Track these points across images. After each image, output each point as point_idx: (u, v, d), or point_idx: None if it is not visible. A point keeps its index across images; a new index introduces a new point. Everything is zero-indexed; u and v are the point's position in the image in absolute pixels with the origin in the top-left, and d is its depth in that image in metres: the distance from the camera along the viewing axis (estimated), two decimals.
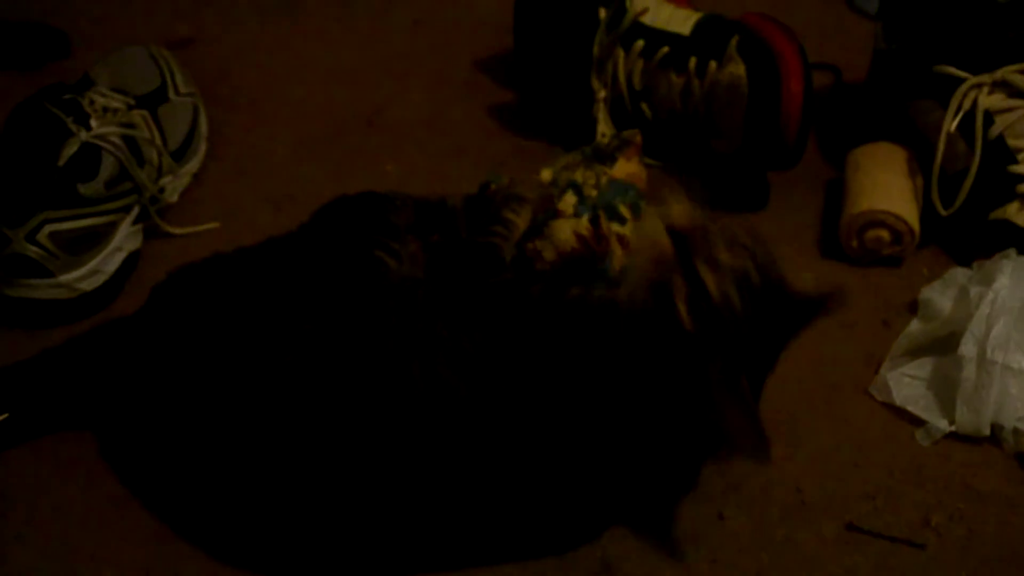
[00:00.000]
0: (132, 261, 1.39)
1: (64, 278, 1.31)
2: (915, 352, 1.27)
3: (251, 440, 1.05)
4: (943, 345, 1.24)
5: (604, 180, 1.35)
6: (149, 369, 1.14)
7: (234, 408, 1.07)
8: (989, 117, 1.37)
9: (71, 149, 1.31)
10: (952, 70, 1.40)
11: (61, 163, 1.30)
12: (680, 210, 1.03)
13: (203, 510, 1.11)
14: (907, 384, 1.24)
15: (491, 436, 1.04)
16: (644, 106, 1.52)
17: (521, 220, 1.24)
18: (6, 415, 1.19)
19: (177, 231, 1.44)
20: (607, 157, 1.36)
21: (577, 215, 1.26)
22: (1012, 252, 1.29)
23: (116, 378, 1.17)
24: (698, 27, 1.49)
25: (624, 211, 1.32)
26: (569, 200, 1.28)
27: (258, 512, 1.07)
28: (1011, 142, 1.36)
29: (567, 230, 1.24)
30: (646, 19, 1.50)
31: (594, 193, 1.33)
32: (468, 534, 1.07)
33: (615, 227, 1.27)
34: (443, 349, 1.07)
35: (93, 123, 1.35)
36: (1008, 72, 1.38)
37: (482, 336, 1.08)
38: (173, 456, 1.11)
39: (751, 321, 1.01)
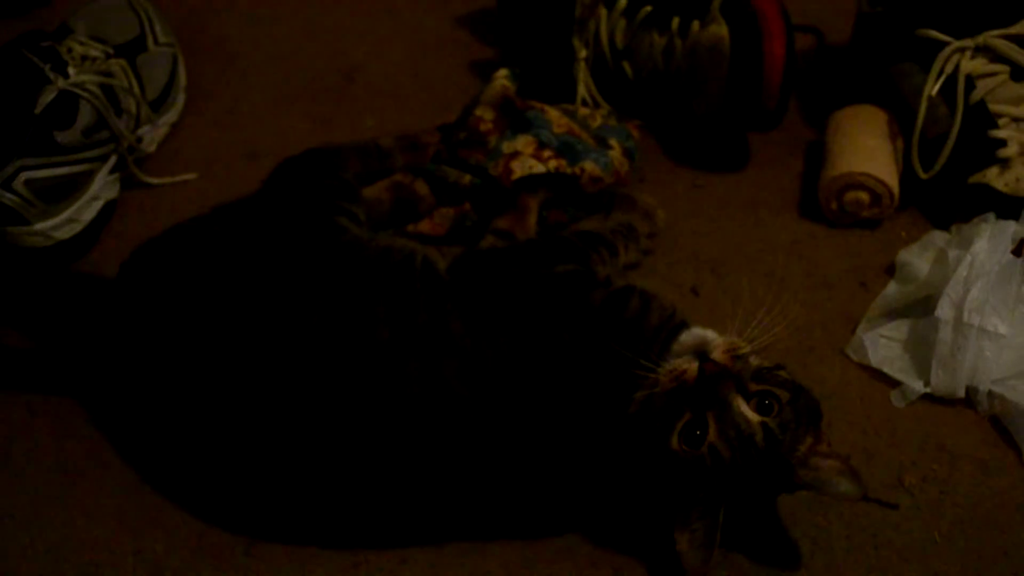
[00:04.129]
0: (109, 210, 1.39)
1: (40, 226, 1.30)
2: (892, 314, 1.27)
3: (237, 408, 1.05)
4: (920, 307, 1.25)
5: (610, 121, 1.43)
6: (132, 346, 1.12)
7: (222, 378, 1.06)
8: (971, 82, 1.37)
9: (48, 97, 1.30)
10: (935, 34, 1.40)
11: (38, 111, 1.29)
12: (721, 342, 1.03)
13: (194, 478, 1.11)
14: (883, 345, 1.24)
15: (486, 433, 1.04)
16: (626, 65, 1.51)
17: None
18: None
19: (154, 181, 1.43)
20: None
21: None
22: (991, 216, 1.29)
23: (97, 355, 1.16)
24: None
25: (615, 144, 1.37)
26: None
27: (239, 479, 1.07)
28: (992, 107, 1.36)
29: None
30: None
31: (595, 123, 1.42)
32: (454, 516, 1.08)
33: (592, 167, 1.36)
34: (457, 351, 1.07)
35: (71, 71, 1.34)
36: (990, 37, 1.38)
37: (504, 345, 1.08)
38: (161, 426, 1.11)
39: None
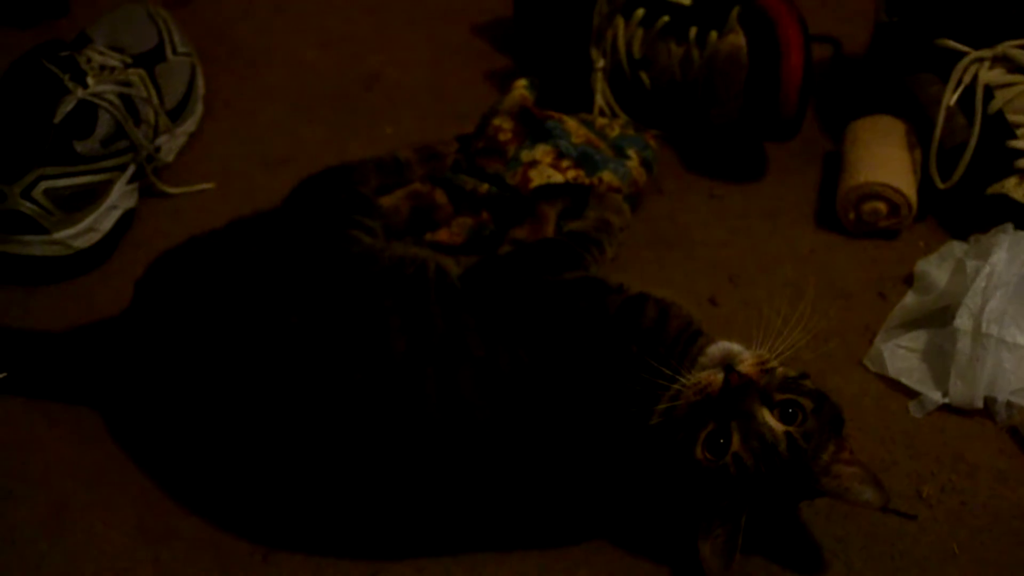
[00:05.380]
0: (127, 220, 1.39)
1: (59, 235, 1.31)
2: (910, 324, 1.27)
3: (255, 418, 1.05)
4: (938, 318, 1.24)
5: (628, 131, 1.44)
6: (150, 361, 1.12)
7: (240, 390, 1.06)
8: (989, 92, 1.37)
9: (67, 106, 1.30)
10: (953, 44, 1.40)
11: (57, 120, 1.29)
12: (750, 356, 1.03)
13: (211, 486, 1.11)
14: (901, 356, 1.24)
15: (501, 443, 1.04)
16: (643, 75, 1.52)
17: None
18: (4, 374, 1.19)
19: (172, 191, 1.44)
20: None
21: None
22: (1009, 226, 1.28)
23: (117, 369, 1.16)
24: None
25: (633, 154, 1.39)
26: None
27: (255, 488, 1.07)
28: (1010, 117, 1.36)
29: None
30: None
31: (612, 133, 1.42)
32: (466, 526, 1.07)
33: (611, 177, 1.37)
34: (472, 362, 1.07)
35: (90, 81, 1.34)
36: (1009, 47, 1.38)
37: (520, 357, 1.08)
38: (180, 438, 1.11)
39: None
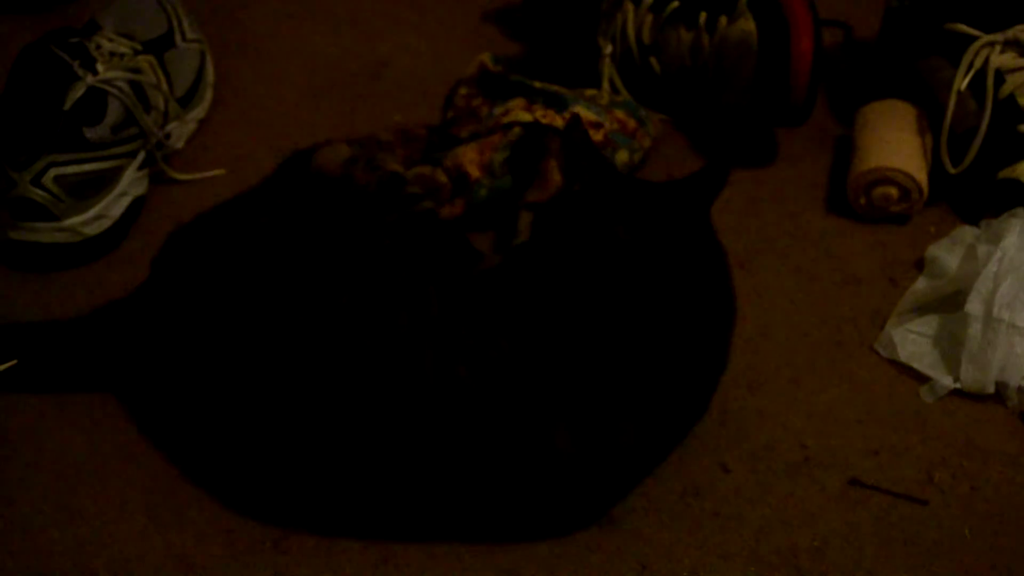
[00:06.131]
0: (137, 206, 1.39)
1: (69, 222, 1.31)
2: (921, 309, 1.27)
3: (266, 399, 1.06)
4: (949, 303, 1.24)
5: (617, 99, 1.47)
6: (167, 337, 1.13)
7: (252, 370, 1.07)
8: (1000, 76, 1.37)
9: (77, 93, 1.30)
10: (964, 28, 1.39)
11: (67, 107, 1.29)
12: None
13: (220, 462, 1.11)
14: (912, 341, 1.24)
15: (493, 421, 1.04)
16: (653, 61, 1.51)
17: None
18: (15, 361, 1.19)
19: (182, 177, 1.44)
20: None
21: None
22: (1020, 211, 1.28)
23: (132, 349, 1.17)
24: None
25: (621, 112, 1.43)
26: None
27: (266, 466, 1.07)
28: (1022, 101, 1.36)
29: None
30: None
31: (602, 101, 1.44)
32: (460, 511, 1.07)
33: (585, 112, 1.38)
34: (464, 349, 1.06)
35: (99, 67, 1.34)
36: (1020, 31, 1.37)
37: (509, 342, 1.07)
38: (194, 414, 1.11)
39: None
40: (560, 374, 1.04)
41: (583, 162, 1.15)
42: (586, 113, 1.37)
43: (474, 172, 1.35)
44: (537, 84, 1.41)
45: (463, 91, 1.46)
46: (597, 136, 1.37)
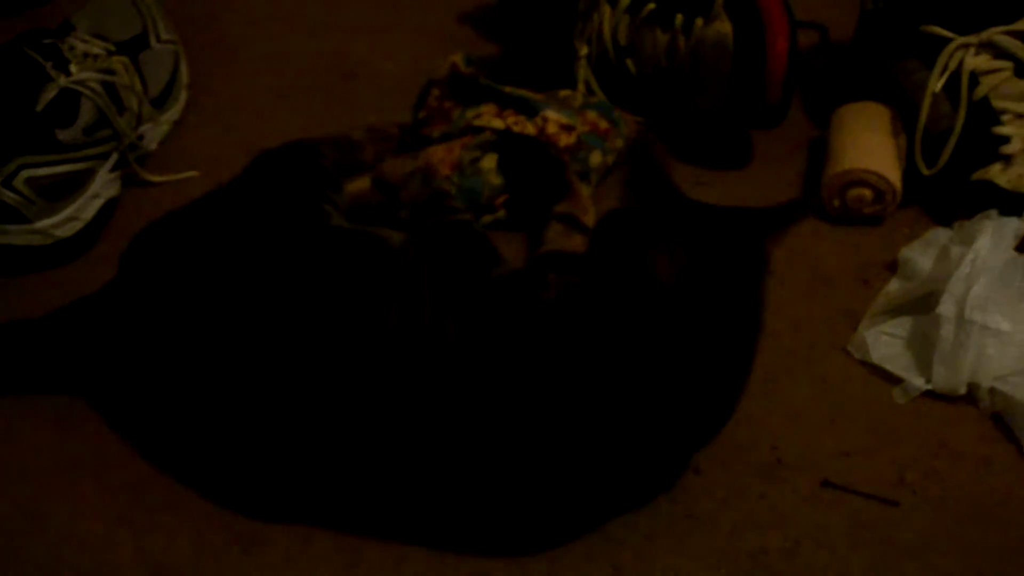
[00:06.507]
0: (109, 208, 1.39)
1: (40, 224, 1.30)
2: (894, 311, 1.27)
3: (241, 393, 1.05)
4: (922, 304, 1.24)
5: (591, 100, 1.46)
6: (135, 333, 1.12)
7: (227, 365, 1.06)
8: (975, 78, 1.37)
9: (50, 94, 1.30)
10: (939, 30, 1.40)
11: (39, 108, 1.29)
12: None
13: (194, 457, 1.11)
14: (885, 342, 1.24)
15: (480, 432, 1.03)
16: (629, 62, 1.51)
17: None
18: None
19: (156, 179, 1.43)
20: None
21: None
22: (993, 213, 1.28)
23: (100, 346, 1.16)
24: None
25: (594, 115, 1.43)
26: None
27: (244, 459, 1.07)
28: (996, 103, 1.36)
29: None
30: None
31: (576, 103, 1.44)
32: (447, 520, 1.06)
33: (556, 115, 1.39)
34: (446, 349, 1.06)
35: (72, 68, 1.34)
36: (994, 33, 1.37)
37: (489, 345, 1.07)
38: (167, 411, 1.11)
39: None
40: (566, 397, 1.04)
41: (649, 180, 1.15)
42: (557, 116, 1.37)
43: (444, 170, 1.35)
44: (507, 89, 1.41)
45: (435, 92, 1.46)
46: (570, 139, 1.37)
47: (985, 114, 1.36)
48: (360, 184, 1.35)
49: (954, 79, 1.38)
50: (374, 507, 1.06)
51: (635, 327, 1.05)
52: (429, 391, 1.03)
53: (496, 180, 1.36)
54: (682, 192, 1.15)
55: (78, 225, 1.34)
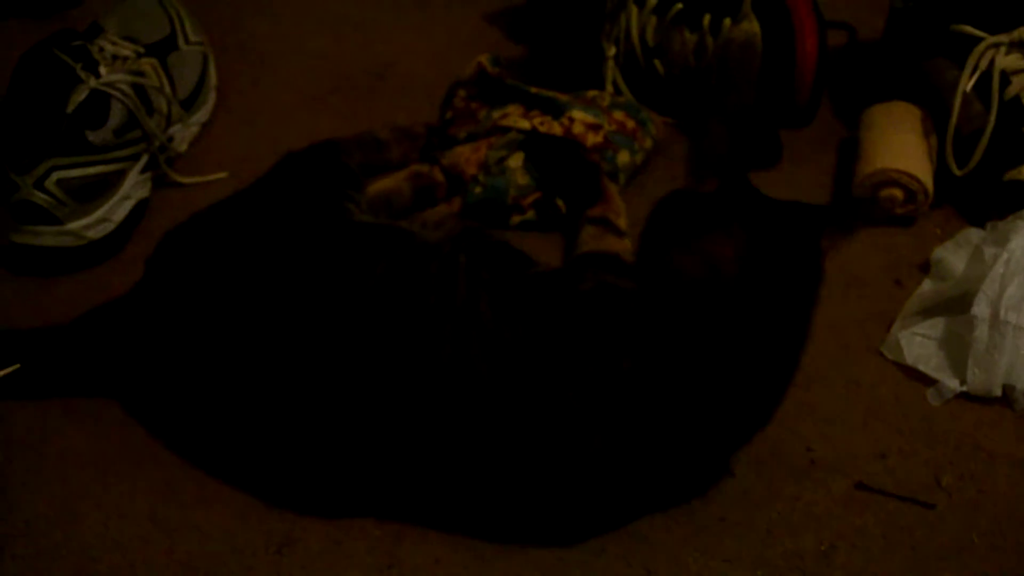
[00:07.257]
0: (140, 210, 1.39)
1: (71, 226, 1.31)
2: (927, 312, 1.26)
3: (274, 384, 1.06)
4: (955, 305, 1.24)
5: (619, 100, 1.46)
6: (165, 333, 1.13)
7: (258, 354, 1.08)
8: (1005, 77, 1.36)
9: (80, 96, 1.30)
10: (969, 29, 1.39)
11: (70, 110, 1.29)
12: None
13: (230, 452, 1.12)
14: (919, 344, 1.23)
15: (508, 422, 1.04)
16: (657, 63, 1.51)
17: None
18: (17, 366, 1.19)
19: (185, 180, 1.43)
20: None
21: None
22: None
23: (130, 348, 1.17)
24: None
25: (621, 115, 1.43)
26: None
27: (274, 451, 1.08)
28: None
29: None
30: None
31: (603, 103, 1.44)
32: (482, 504, 1.07)
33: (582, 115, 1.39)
34: (481, 332, 1.06)
35: (102, 70, 1.34)
36: None
37: (524, 328, 1.07)
38: (198, 409, 1.12)
39: None
40: (599, 381, 1.05)
41: (719, 165, 1.15)
42: (583, 116, 1.37)
43: (470, 170, 1.35)
44: (533, 90, 1.41)
45: (462, 92, 1.47)
46: (597, 138, 1.36)
47: (1017, 113, 1.35)
48: (393, 183, 1.35)
49: (985, 78, 1.37)
50: (411, 489, 1.07)
51: (691, 317, 1.05)
52: (463, 367, 1.04)
53: (522, 179, 1.36)
54: (747, 177, 1.15)
55: (109, 227, 1.34)
